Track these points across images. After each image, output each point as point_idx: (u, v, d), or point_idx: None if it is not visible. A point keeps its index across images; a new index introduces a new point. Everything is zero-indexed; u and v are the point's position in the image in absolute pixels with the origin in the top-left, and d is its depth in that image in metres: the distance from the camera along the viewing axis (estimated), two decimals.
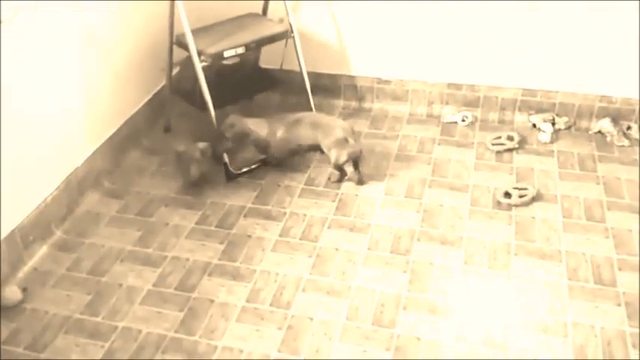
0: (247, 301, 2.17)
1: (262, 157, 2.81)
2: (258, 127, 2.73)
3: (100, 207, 2.65)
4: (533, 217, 2.50)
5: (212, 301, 2.18)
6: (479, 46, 3.02)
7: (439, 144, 2.99)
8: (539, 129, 3.03)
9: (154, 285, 2.26)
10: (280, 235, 2.46)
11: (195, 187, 2.73)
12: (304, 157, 2.89)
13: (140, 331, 2.08)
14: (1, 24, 2.12)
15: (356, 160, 2.70)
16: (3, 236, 2.26)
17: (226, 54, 2.69)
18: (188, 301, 2.18)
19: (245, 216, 2.57)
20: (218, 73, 2.95)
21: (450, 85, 3.15)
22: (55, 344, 2.04)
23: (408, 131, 3.09)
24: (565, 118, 3.04)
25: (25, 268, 2.33)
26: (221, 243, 2.43)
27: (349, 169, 2.69)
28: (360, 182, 2.71)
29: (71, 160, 2.62)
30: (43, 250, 2.42)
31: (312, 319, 2.09)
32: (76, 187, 2.63)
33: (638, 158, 2.83)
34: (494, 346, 1.98)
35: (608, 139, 2.95)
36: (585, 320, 2.05)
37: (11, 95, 2.23)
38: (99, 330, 2.08)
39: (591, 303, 2.11)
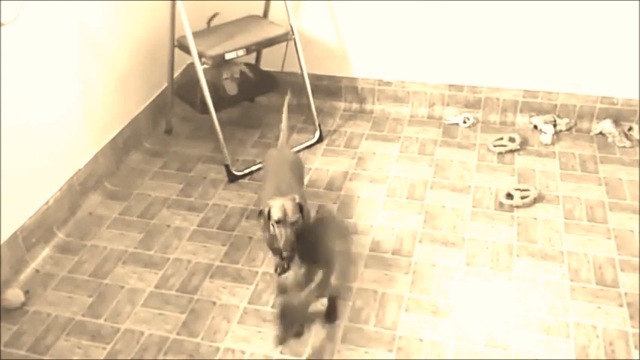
0: (249, 302, 2.17)
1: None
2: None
3: (101, 209, 2.66)
4: (535, 218, 2.50)
5: (214, 302, 2.18)
6: (480, 47, 3.02)
7: (441, 145, 2.99)
8: (540, 130, 3.04)
9: (156, 287, 2.26)
10: None
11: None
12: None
13: (142, 333, 2.08)
14: (5, 25, 2.13)
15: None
16: (5, 238, 2.27)
17: (227, 56, 2.69)
18: (190, 303, 2.18)
19: (247, 218, 2.57)
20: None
21: (451, 87, 3.15)
22: (57, 346, 2.04)
23: (409, 133, 3.10)
24: (566, 120, 3.04)
25: (27, 270, 2.34)
26: (223, 245, 2.43)
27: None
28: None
29: (73, 163, 2.62)
30: (45, 252, 2.42)
31: (314, 320, 2.09)
32: (78, 190, 2.63)
33: (639, 159, 2.82)
34: (497, 347, 1.97)
35: (610, 140, 2.95)
36: (587, 321, 2.05)
37: (14, 98, 2.23)
38: (101, 332, 2.09)
39: (593, 304, 2.11)
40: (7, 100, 2.20)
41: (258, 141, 3.08)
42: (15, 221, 2.32)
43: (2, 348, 2.04)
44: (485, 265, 2.29)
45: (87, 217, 2.62)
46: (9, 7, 2.13)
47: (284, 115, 2.59)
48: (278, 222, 2.00)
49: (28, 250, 2.37)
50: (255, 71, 3.23)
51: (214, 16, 2.97)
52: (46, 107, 2.42)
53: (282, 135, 2.54)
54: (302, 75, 2.97)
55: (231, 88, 2.79)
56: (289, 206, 2.00)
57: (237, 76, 2.80)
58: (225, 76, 2.83)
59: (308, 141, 3.02)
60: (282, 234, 2.00)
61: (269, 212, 2.02)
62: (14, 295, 2.19)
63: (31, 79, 2.32)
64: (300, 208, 2.04)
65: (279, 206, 2.00)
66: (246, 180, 2.80)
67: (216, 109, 2.74)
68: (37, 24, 2.30)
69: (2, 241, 2.25)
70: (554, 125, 3.03)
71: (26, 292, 2.23)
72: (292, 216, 2.00)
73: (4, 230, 2.27)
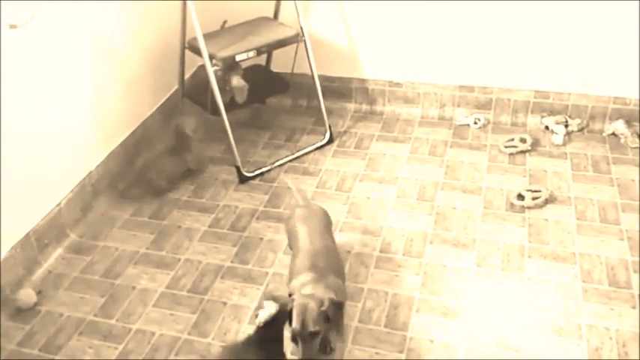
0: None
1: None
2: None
3: (113, 210, 2.67)
4: (547, 220, 2.48)
5: (225, 303, 2.19)
6: (490, 48, 3.01)
7: (451, 147, 2.98)
8: (552, 131, 3.02)
9: (167, 287, 2.27)
10: None
11: None
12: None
13: (153, 333, 2.08)
14: (18, 28, 2.15)
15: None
16: (18, 239, 2.28)
17: (238, 58, 2.70)
18: (201, 303, 2.19)
19: (257, 219, 2.57)
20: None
21: (461, 88, 3.14)
22: (70, 346, 2.05)
23: (419, 134, 3.09)
24: (578, 120, 3.03)
25: (40, 271, 2.35)
26: (233, 245, 2.44)
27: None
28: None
29: (85, 164, 2.64)
30: (57, 253, 2.44)
31: None
32: (90, 191, 2.65)
33: None
34: (508, 348, 1.96)
35: (622, 140, 2.93)
36: (600, 322, 2.03)
37: (26, 101, 2.25)
38: (113, 332, 2.10)
39: (606, 305, 2.09)
40: (18, 103, 2.22)
41: (269, 142, 3.09)
42: (28, 222, 2.34)
43: (15, 347, 2.06)
44: (497, 266, 2.28)
45: (99, 218, 2.63)
46: (22, 9, 2.15)
47: (293, 188, 2.33)
48: (294, 332, 1.69)
49: (41, 250, 2.39)
50: (266, 73, 3.24)
51: (224, 24, 2.97)
52: (58, 110, 2.44)
53: (300, 194, 2.25)
54: (312, 76, 2.97)
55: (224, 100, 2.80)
56: (312, 314, 1.67)
57: (227, 88, 2.80)
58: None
59: (318, 142, 3.02)
60: (297, 348, 1.69)
61: (290, 312, 1.72)
62: (27, 295, 2.20)
63: (42, 82, 2.33)
64: (327, 317, 1.71)
65: (299, 310, 1.68)
66: (256, 181, 2.81)
67: (227, 111, 2.75)
68: (50, 28, 2.32)
69: (15, 242, 2.27)
70: (566, 126, 3.01)
71: (39, 293, 2.25)
72: (312, 326, 1.67)
73: (18, 231, 2.29)
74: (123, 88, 2.83)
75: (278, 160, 2.90)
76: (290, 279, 1.90)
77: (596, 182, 2.68)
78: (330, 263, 1.92)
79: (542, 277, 2.21)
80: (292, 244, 2.06)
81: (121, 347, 2.04)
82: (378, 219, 2.54)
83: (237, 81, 2.80)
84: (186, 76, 3.10)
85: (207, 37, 2.72)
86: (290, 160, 2.92)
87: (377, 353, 1.97)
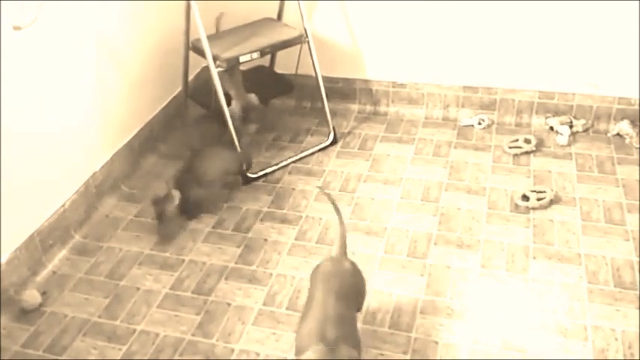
0: (264, 304, 2.18)
1: None
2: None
3: (117, 211, 2.68)
4: (552, 220, 2.47)
5: (229, 304, 2.19)
6: (494, 48, 3.01)
7: (455, 147, 2.97)
8: (556, 132, 3.01)
9: (172, 288, 2.27)
10: (296, 239, 2.46)
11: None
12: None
13: (157, 334, 2.08)
14: (23, 29, 2.15)
15: None
16: (23, 240, 2.29)
17: (242, 59, 2.70)
18: (205, 305, 2.19)
19: (261, 220, 2.57)
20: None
21: (465, 88, 3.14)
22: (74, 347, 2.06)
23: (424, 135, 3.09)
24: (582, 121, 3.02)
25: (45, 272, 2.36)
26: (237, 246, 2.44)
27: None
28: None
29: (89, 166, 2.64)
30: (62, 254, 2.44)
31: None
32: (94, 192, 2.65)
33: None
34: (513, 349, 1.96)
35: (627, 141, 2.92)
36: (605, 323, 2.02)
37: (29, 102, 2.26)
38: (117, 333, 2.10)
39: (611, 306, 2.08)
40: (22, 104, 2.22)
41: (272, 143, 3.09)
42: (32, 224, 2.34)
43: (19, 348, 2.06)
44: (501, 267, 2.27)
45: (103, 219, 2.64)
46: (24, 9, 2.15)
47: (338, 217, 2.01)
48: None
49: (45, 251, 2.39)
50: (270, 74, 3.24)
51: (220, 16, 2.96)
52: (62, 111, 2.44)
53: (340, 241, 1.95)
54: (316, 77, 2.97)
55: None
56: None
57: (248, 106, 2.83)
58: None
59: (322, 143, 3.02)
60: None
61: None
62: (31, 296, 2.21)
63: (46, 82, 2.34)
64: None
65: None
66: (260, 182, 2.80)
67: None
68: (53, 29, 2.32)
69: (20, 243, 2.28)
70: (571, 126, 3.00)
71: (43, 294, 2.25)
72: None
73: (22, 232, 2.29)
74: (127, 89, 2.84)
75: (282, 161, 2.90)
76: (297, 350, 1.68)
77: (601, 183, 2.67)
78: (343, 333, 1.66)
79: (547, 278, 2.21)
80: (307, 301, 1.81)
81: (125, 348, 2.04)
82: (383, 220, 2.53)
83: (252, 98, 2.89)
84: (190, 77, 3.11)
85: (211, 38, 2.73)
86: (294, 161, 2.92)
87: (381, 354, 1.97)
